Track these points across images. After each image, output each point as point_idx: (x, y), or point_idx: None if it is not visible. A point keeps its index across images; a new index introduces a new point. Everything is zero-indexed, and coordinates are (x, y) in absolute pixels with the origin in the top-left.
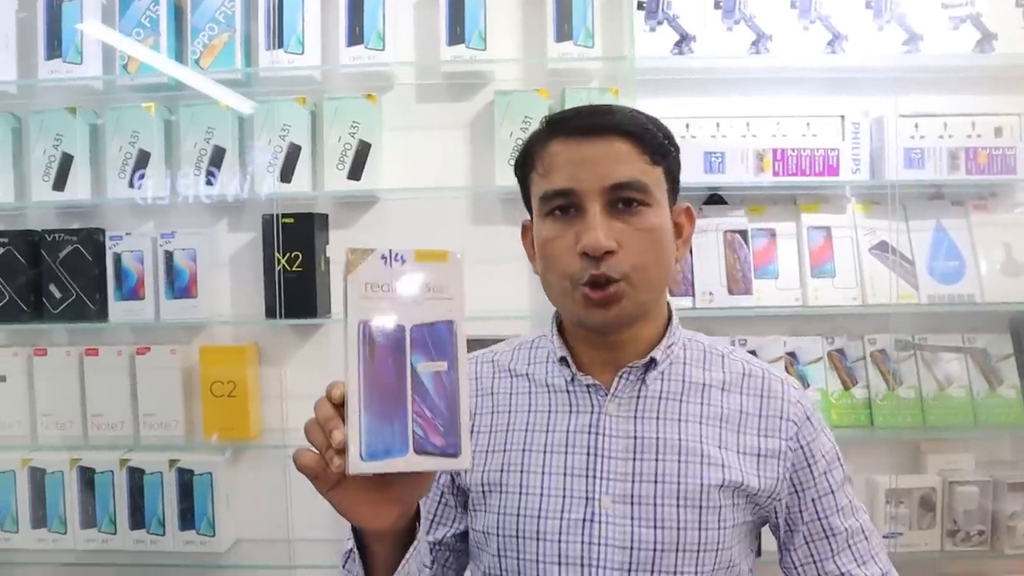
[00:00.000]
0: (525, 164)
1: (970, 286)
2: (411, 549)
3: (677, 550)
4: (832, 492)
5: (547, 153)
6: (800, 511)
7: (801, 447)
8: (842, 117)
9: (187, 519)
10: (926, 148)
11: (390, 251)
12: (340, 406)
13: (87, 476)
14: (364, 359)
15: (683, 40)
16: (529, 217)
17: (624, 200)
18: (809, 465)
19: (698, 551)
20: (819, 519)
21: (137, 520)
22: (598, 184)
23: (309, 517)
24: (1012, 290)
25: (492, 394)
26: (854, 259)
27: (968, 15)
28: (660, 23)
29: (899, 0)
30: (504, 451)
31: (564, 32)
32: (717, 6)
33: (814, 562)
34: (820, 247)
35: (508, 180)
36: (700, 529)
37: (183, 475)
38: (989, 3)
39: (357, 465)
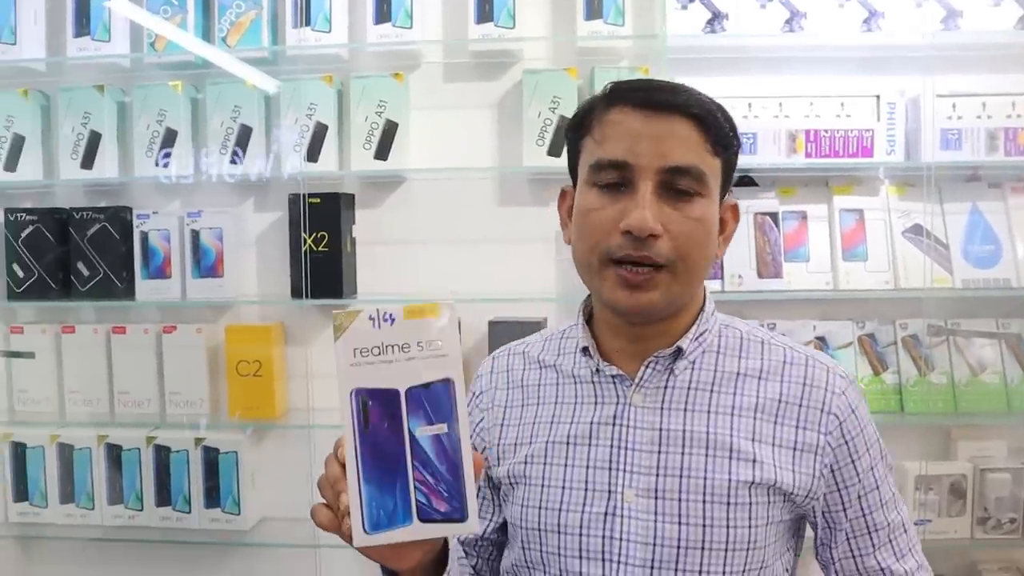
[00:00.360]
0: (580, 127)
1: (1006, 270)
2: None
3: (703, 548)
4: (877, 487)
5: (607, 120)
6: (844, 508)
7: (845, 443)
8: (877, 97)
9: (212, 497)
10: (964, 129)
11: (378, 311)
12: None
13: (114, 453)
14: (360, 429)
15: (715, 18)
16: (572, 183)
17: (678, 185)
18: (853, 461)
19: (726, 550)
20: (863, 515)
21: (163, 497)
22: (656, 163)
23: None
24: None
25: (522, 386)
26: (887, 242)
27: None
28: (692, 1)
29: None
30: (530, 443)
31: (594, 10)
32: None
33: (853, 557)
34: (852, 230)
35: (536, 160)
36: (728, 527)
37: (208, 453)
38: None
39: (361, 539)
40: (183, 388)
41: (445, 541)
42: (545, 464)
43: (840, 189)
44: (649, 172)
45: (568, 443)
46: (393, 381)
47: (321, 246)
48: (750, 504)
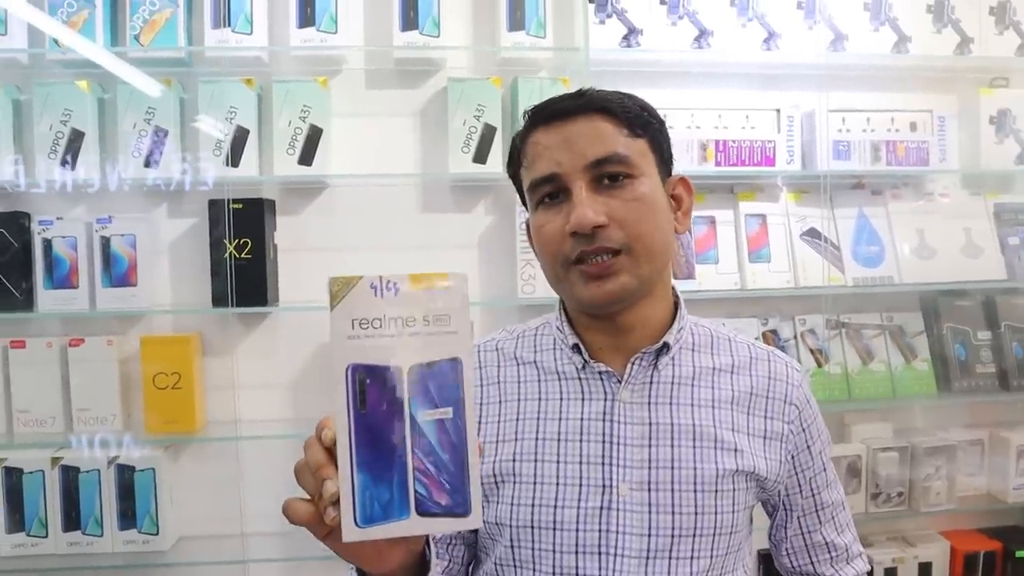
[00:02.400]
0: (514, 161)
1: (889, 269)
2: None
3: (694, 535)
4: (825, 468)
5: (529, 144)
6: (800, 491)
7: (803, 429)
8: (777, 111)
9: (128, 518)
10: (852, 141)
11: (380, 279)
12: (332, 449)
13: (14, 477)
14: (355, 410)
15: (631, 33)
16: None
17: (609, 175)
18: (809, 446)
19: (714, 535)
20: (813, 495)
21: (72, 521)
22: (580, 163)
23: (259, 510)
24: (925, 272)
25: (499, 383)
26: (787, 245)
27: (887, 18)
28: (609, 16)
29: (827, 1)
30: (516, 440)
31: (516, 21)
32: (662, 2)
33: (803, 534)
34: (756, 234)
35: (462, 167)
36: (716, 513)
37: (123, 472)
38: (904, 8)
39: (352, 532)
40: (93, 404)
41: (427, 542)
42: (536, 461)
43: (744, 195)
44: (576, 173)
45: (559, 439)
46: (395, 358)
47: (244, 253)
48: (733, 491)
